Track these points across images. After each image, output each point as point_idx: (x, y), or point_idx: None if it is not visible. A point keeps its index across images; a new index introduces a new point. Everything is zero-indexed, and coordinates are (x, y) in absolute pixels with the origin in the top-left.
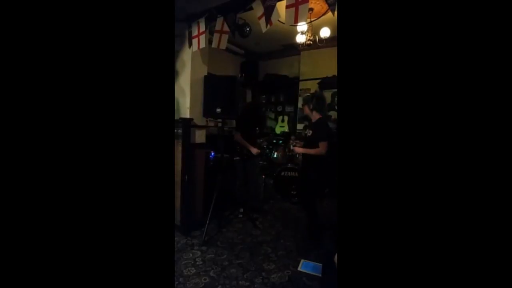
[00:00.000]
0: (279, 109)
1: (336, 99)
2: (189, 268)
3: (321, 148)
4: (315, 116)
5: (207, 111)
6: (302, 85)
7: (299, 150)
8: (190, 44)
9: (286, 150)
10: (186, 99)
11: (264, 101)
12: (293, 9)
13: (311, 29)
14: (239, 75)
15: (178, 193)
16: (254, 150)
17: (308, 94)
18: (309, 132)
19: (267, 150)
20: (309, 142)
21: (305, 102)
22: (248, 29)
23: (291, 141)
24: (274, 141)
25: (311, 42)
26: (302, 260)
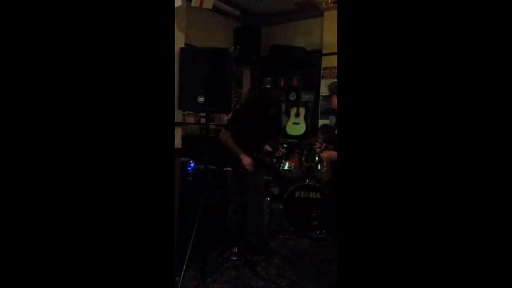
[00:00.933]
0: (292, 97)
1: None
2: None
3: None
4: None
5: (184, 101)
6: (326, 62)
7: (331, 154)
8: None
9: (303, 160)
10: None
11: (280, 89)
12: None
13: None
14: (232, 47)
15: None
16: (246, 161)
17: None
18: None
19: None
20: None
21: (334, 90)
22: None
23: (317, 148)
24: (285, 145)
25: None
26: None
